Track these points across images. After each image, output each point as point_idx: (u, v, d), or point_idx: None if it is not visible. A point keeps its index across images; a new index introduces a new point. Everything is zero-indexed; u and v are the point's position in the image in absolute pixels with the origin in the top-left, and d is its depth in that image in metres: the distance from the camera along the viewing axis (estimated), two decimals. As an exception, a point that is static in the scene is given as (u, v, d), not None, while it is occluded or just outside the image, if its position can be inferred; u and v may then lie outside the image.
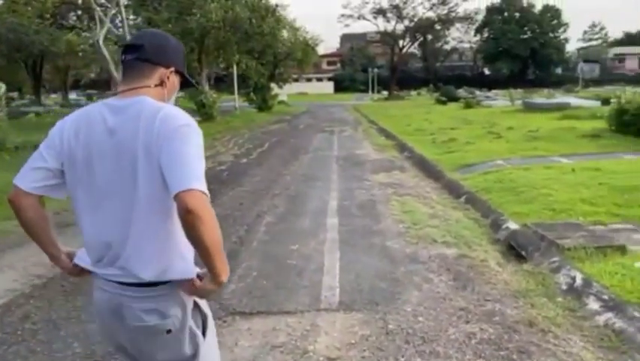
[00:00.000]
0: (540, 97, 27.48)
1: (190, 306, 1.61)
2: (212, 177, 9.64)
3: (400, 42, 56.65)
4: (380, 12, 54.43)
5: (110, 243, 1.54)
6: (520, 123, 15.29)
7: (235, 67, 29.18)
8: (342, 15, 56.95)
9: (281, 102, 38.14)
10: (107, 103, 1.58)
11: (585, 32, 79.09)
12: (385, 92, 53.58)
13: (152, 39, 1.64)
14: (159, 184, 1.44)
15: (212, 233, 1.40)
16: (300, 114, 31.42)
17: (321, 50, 53.28)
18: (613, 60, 74.20)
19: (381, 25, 56.62)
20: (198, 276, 1.55)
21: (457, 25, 59.88)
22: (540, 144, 10.81)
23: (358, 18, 55.29)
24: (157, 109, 1.49)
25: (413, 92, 56.37)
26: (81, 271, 1.71)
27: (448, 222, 6.07)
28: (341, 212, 6.69)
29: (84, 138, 1.54)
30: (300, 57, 37.65)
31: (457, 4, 54.04)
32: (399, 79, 56.94)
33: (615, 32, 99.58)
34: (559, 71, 69.57)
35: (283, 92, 41.52)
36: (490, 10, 66.10)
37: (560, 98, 25.31)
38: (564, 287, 3.93)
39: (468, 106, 26.11)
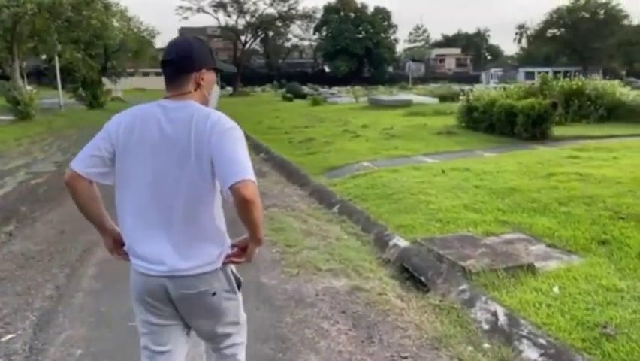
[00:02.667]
0: (380, 94, 28.51)
1: (229, 272, 1.93)
2: (24, 194, 7.60)
3: (242, 37, 55.43)
4: (220, 5, 52.49)
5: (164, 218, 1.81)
6: (372, 121, 15.24)
7: (57, 59, 25.43)
8: (180, 7, 54.00)
9: (115, 99, 34.50)
10: (160, 104, 1.82)
11: (411, 34, 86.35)
12: (230, 88, 51.87)
13: (178, 52, 1.83)
14: (207, 175, 1.76)
15: (260, 214, 1.73)
16: (138, 112, 28.57)
17: (159, 43, 49.75)
18: (435, 60, 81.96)
19: (222, 19, 54.79)
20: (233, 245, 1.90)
21: (298, 22, 60.22)
22: (399, 142, 10.56)
23: (197, 11, 52.58)
24: (206, 114, 1.78)
25: (258, 89, 55.60)
26: (124, 255, 1.97)
27: (328, 240, 5.21)
28: (197, 236, 5.44)
29: (139, 132, 1.79)
30: (134, 50, 34.66)
31: (296, 2, 54.15)
32: (243, 75, 55.65)
33: (435, 35, 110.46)
34: (390, 69, 74.56)
35: (118, 87, 37.93)
36: (328, 9, 68.01)
37: (400, 95, 26.47)
38: (486, 327, 3.26)
39: (316, 103, 26.04)
